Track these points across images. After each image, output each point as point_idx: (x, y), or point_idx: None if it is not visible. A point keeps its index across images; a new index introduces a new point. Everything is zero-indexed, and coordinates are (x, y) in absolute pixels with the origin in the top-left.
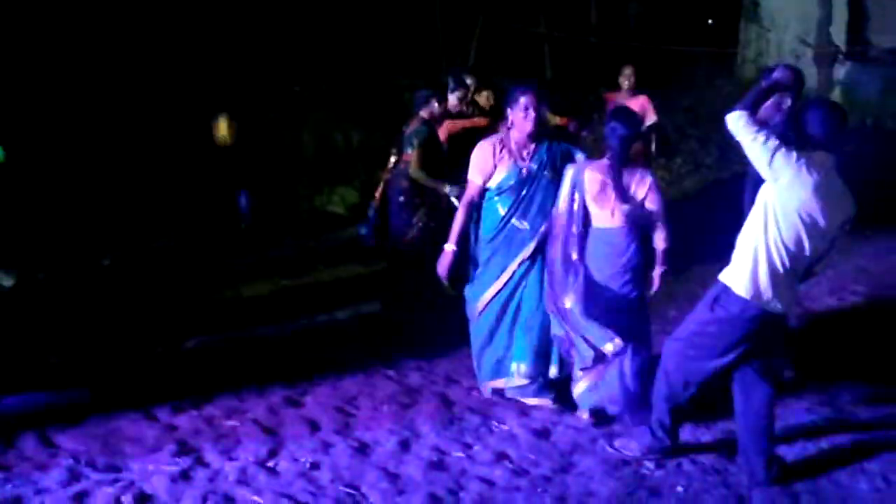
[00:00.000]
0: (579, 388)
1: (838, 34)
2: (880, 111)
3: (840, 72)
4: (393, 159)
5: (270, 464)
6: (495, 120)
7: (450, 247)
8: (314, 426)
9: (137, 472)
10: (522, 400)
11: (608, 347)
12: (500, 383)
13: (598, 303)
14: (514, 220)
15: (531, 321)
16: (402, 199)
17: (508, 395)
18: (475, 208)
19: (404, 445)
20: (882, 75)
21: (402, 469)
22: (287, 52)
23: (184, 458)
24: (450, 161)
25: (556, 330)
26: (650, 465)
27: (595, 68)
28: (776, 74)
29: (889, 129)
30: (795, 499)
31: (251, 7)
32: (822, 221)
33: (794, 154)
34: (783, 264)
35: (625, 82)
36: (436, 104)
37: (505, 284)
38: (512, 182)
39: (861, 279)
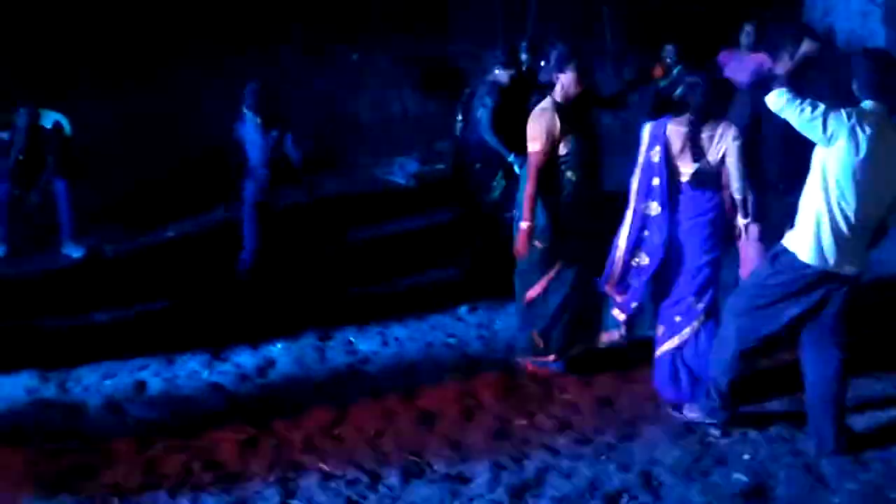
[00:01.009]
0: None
1: None
2: None
3: None
4: (459, 125)
5: (336, 432)
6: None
7: (525, 224)
8: (378, 394)
9: (206, 440)
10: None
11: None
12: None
13: (675, 263)
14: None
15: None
16: (478, 165)
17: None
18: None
19: (467, 414)
20: None
21: (465, 437)
22: (342, 18)
23: (250, 427)
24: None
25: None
26: (716, 432)
27: (655, 32)
28: (803, 48)
29: None
30: (866, 467)
31: None
32: (883, 174)
33: (844, 113)
34: (848, 225)
35: (745, 39)
36: (505, 74)
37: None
38: (580, 145)
39: None
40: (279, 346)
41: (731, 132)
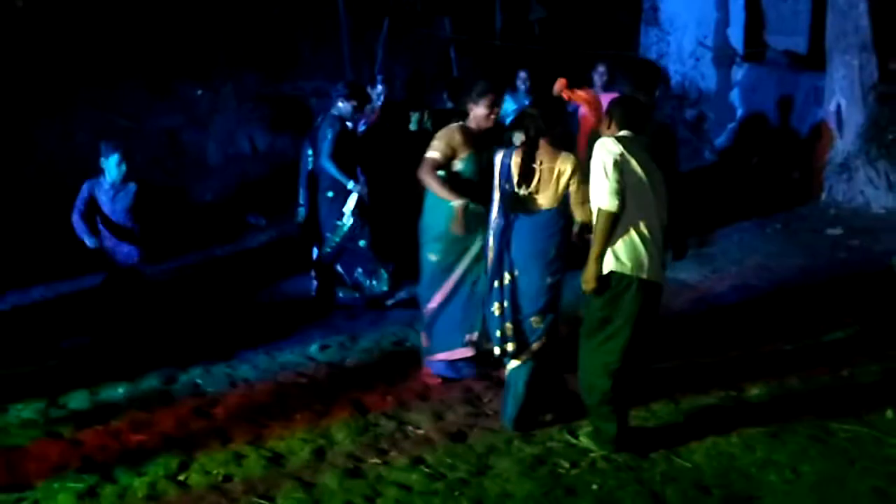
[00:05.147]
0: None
1: (736, 36)
2: (776, 111)
3: (738, 73)
4: (310, 158)
5: (181, 477)
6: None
7: (459, 202)
8: (225, 437)
9: (42, 491)
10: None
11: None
12: (451, 354)
13: (519, 285)
14: (471, 206)
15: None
16: (331, 193)
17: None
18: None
19: (319, 454)
20: (778, 76)
21: (317, 478)
22: (188, 53)
23: (90, 476)
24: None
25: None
26: (566, 464)
27: (499, 70)
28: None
29: (781, 127)
30: (706, 492)
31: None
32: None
33: (616, 154)
34: (641, 236)
35: (598, 80)
36: (348, 106)
37: (465, 266)
38: (473, 168)
39: (762, 276)
40: (121, 390)
41: (570, 164)
